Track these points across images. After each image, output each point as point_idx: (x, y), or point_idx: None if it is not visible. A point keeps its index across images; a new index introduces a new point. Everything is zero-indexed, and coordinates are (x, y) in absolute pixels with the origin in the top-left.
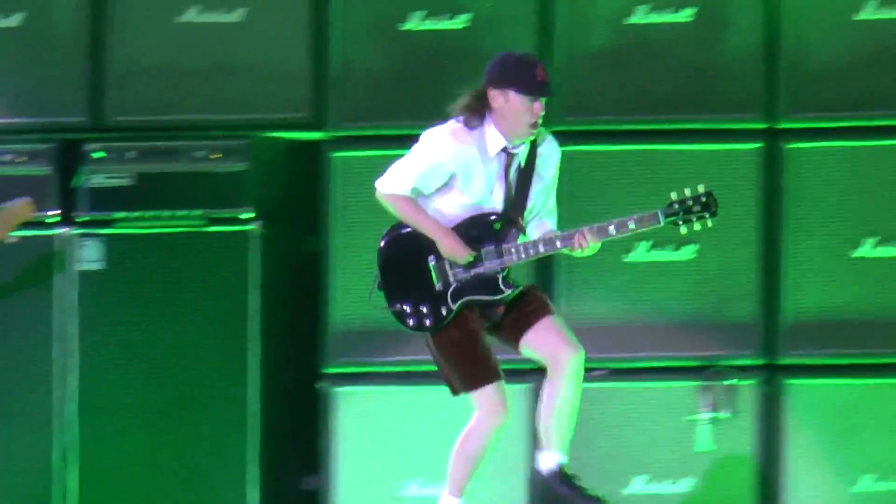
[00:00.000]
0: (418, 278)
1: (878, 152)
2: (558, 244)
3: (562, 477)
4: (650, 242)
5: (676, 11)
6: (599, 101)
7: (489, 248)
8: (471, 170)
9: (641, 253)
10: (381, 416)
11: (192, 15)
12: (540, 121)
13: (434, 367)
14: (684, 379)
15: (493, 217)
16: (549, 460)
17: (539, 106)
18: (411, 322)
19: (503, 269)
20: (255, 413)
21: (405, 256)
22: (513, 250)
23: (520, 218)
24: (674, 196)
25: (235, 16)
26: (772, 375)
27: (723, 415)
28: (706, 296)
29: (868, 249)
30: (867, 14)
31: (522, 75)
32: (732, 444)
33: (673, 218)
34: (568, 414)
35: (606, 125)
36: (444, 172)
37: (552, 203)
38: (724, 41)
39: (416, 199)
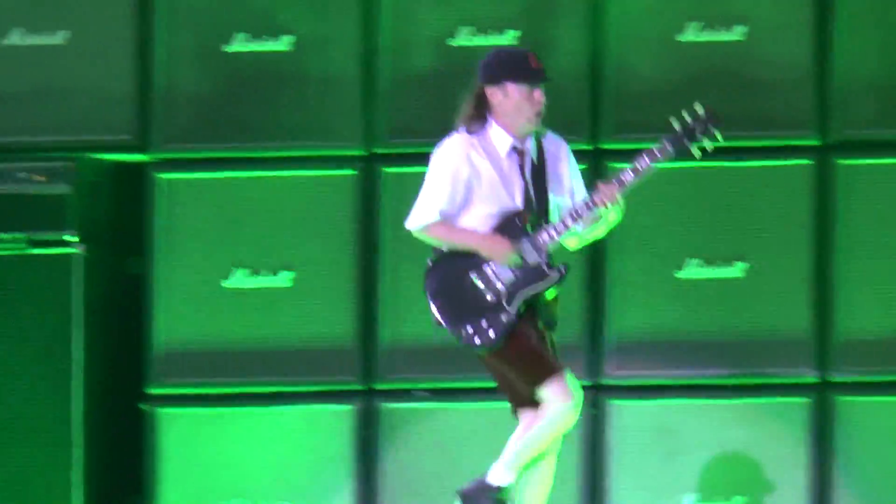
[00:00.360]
0: (469, 298)
1: (702, 173)
2: (582, 211)
3: (495, 496)
4: None
5: (500, 33)
6: (424, 122)
7: (525, 243)
8: (485, 175)
9: None
10: (205, 437)
11: (15, 38)
12: (543, 109)
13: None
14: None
15: (518, 215)
16: (500, 476)
17: (539, 93)
18: (479, 341)
19: (544, 256)
20: (79, 435)
21: (450, 282)
22: (545, 234)
23: (544, 213)
24: (675, 124)
25: (59, 38)
26: (596, 396)
27: None
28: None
29: (692, 270)
30: (690, 36)
31: (517, 65)
32: (559, 463)
33: (679, 143)
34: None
35: (431, 147)
36: (461, 183)
37: (581, 188)
38: (551, 63)
39: (446, 220)
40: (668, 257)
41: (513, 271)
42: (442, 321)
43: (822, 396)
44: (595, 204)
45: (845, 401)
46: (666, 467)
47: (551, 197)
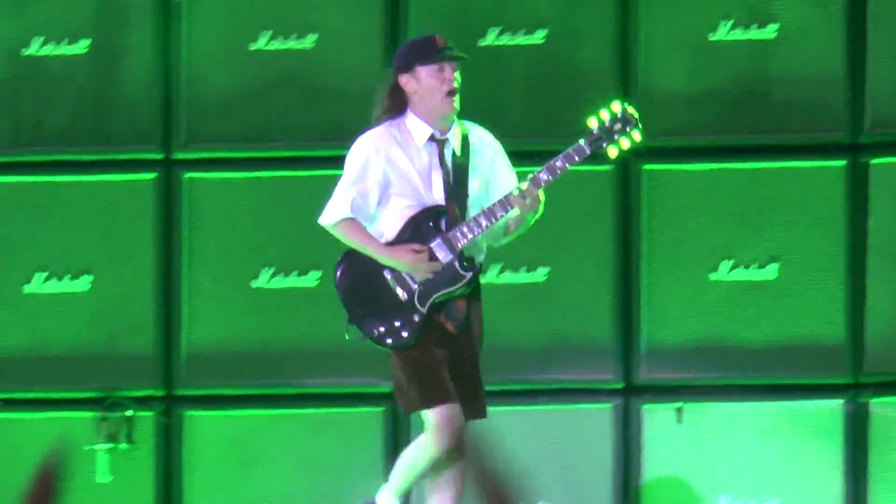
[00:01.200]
0: (381, 296)
1: (272, 182)
2: (497, 211)
3: None
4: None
5: (73, 42)
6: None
7: (438, 241)
8: (401, 167)
9: None
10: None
11: None
12: (456, 85)
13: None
14: (83, 409)
15: (431, 211)
16: (385, 498)
17: (450, 71)
18: (391, 341)
19: (457, 256)
20: None
21: (362, 280)
22: (458, 234)
23: (462, 207)
24: (593, 123)
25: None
26: (170, 407)
27: (121, 445)
28: (101, 327)
29: (265, 280)
30: (262, 45)
31: (424, 47)
32: (132, 475)
33: (597, 143)
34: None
35: (12, 157)
36: (374, 178)
37: (510, 187)
38: (122, 73)
39: (358, 221)
40: (245, 267)
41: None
42: (353, 319)
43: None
44: (510, 204)
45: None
46: (240, 479)
47: (471, 191)
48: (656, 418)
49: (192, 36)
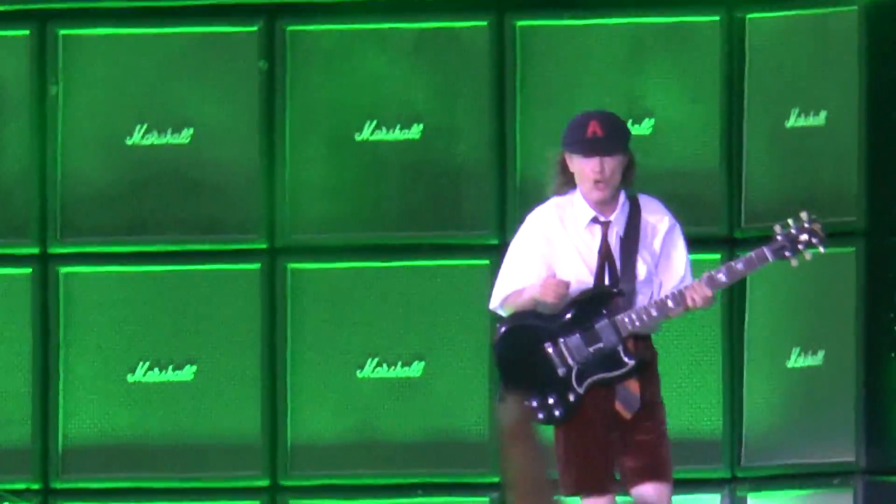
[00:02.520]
0: (539, 369)
1: (149, 277)
2: (670, 304)
3: None
4: None
5: None
6: None
7: (603, 322)
8: (563, 248)
9: None
10: None
11: None
12: (600, 178)
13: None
14: None
15: (600, 291)
16: None
17: (592, 165)
18: (542, 416)
19: (621, 341)
20: None
21: (521, 350)
22: (626, 319)
23: (631, 290)
24: (777, 229)
25: None
26: (47, 499)
27: None
28: None
29: (141, 374)
30: (137, 139)
31: (572, 134)
32: None
33: (780, 252)
34: None
35: None
36: (539, 258)
37: (680, 273)
38: None
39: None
40: (121, 360)
41: (589, 351)
42: (506, 387)
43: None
44: (685, 302)
45: None
46: None
47: (640, 273)
48: None
49: (67, 129)
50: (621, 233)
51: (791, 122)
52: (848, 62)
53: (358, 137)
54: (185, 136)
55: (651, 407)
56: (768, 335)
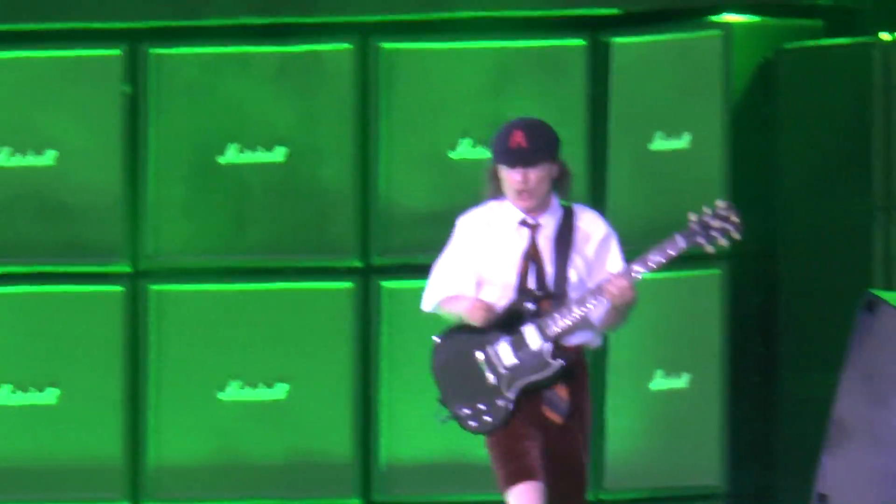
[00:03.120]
0: (471, 377)
1: (11, 298)
2: (590, 299)
3: None
4: None
5: None
6: None
7: (531, 326)
8: (490, 251)
9: None
10: None
11: None
12: (523, 188)
13: None
14: None
15: (527, 295)
16: None
17: (515, 175)
18: (474, 424)
19: (549, 343)
20: None
21: (455, 358)
22: (550, 321)
23: (562, 294)
24: (692, 217)
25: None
26: None
27: None
28: None
29: (2, 398)
30: (1, 161)
31: (498, 144)
32: None
33: (692, 239)
34: None
35: None
36: (468, 260)
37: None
38: None
39: (455, 295)
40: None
41: (517, 355)
42: (442, 398)
43: None
44: (603, 296)
45: None
46: None
47: (572, 278)
48: None
49: None
50: (551, 236)
51: (655, 145)
52: (711, 86)
53: (221, 160)
54: (49, 157)
55: (578, 422)
56: (631, 357)
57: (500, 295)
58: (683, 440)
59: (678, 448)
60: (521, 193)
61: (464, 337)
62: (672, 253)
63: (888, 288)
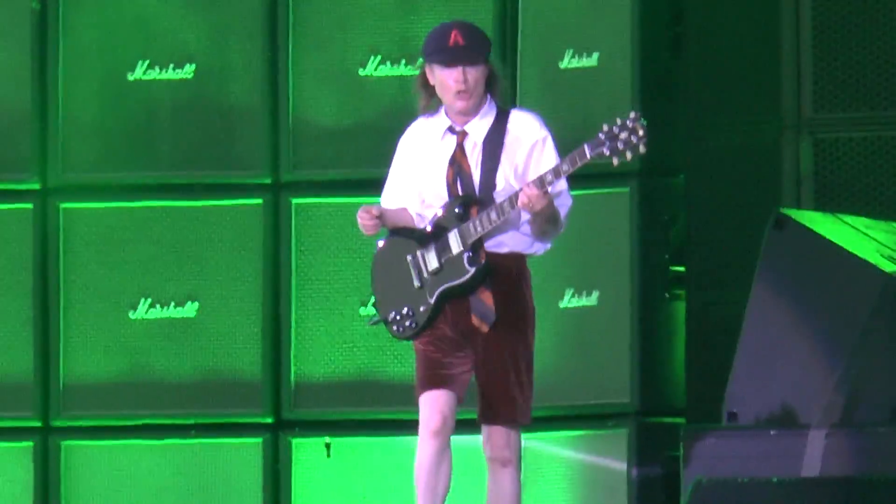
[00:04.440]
0: (401, 282)
1: None
2: (505, 205)
3: None
4: None
5: None
6: None
7: (454, 231)
8: (421, 159)
9: None
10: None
11: None
12: (463, 88)
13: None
14: None
15: (458, 200)
16: None
17: (455, 75)
18: (396, 329)
19: (468, 249)
20: None
21: (388, 262)
22: (470, 225)
23: (488, 198)
24: (604, 127)
25: None
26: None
27: None
28: None
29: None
30: None
31: (433, 43)
32: None
33: (599, 149)
34: None
35: None
36: (404, 170)
37: (557, 189)
38: None
39: (391, 208)
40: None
41: (440, 261)
42: (375, 301)
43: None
44: (516, 203)
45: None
46: None
47: (501, 184)
48: (305, 453)
49: None
50: (479, 142)
51: (564, 63)
52: (620, 3)
53: (130, 77)
54: None
55: (507, 332)
56: (541, 276)
57: (427, 203)
58: (594, 358)
59: (589, 366)
60: (461, 94)
61: (400, 242)
62: (578, 161)
63: (797, 206)
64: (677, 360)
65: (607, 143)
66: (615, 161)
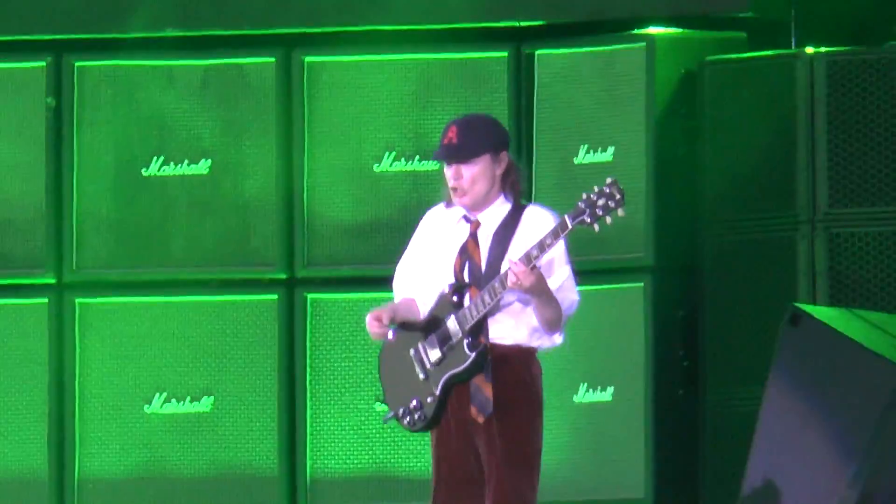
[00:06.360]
0: (406, 375)
1: None
2: (497, 286)
3: None
4: None
5: None
6: None
7: (452, 318)
8: (433, 245)
9: None
10: None
11: None
12: (455, 185)
13: None
14: None
15: (456, 288)
16: None
17: (450, 172)
18: (407, 422)
19: (467, 335)
20: None
21: (393, 357)
22: (467, 310)
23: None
24: (583, 196)
25: None
26: None
27: None
28: None
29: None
30: None
31: (440, 139)
32: None
33: (580, 219)
34: None
35: None
36: (418, 253)
37: (556, 277)
38: None
39: (399, 296)
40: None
41: (441, 350)
42: (385, 397)
43: None
44: (506, 283)
45: None
46: None
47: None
48: None
49: None
50: (492, 232)
51: (580, 159)
52: (635, 98)
53: (145, 173)
54: None
55: (508, 422)
56: (556, 370)
57: (434, 288)
58: (608, 453)
59: (603, 461)
60: (455, 191)
61: (403, 336)
62: (561, 233)
63: (812, 301)
64: (692, 456)
65: (587, 211)
66: (596, 228)
